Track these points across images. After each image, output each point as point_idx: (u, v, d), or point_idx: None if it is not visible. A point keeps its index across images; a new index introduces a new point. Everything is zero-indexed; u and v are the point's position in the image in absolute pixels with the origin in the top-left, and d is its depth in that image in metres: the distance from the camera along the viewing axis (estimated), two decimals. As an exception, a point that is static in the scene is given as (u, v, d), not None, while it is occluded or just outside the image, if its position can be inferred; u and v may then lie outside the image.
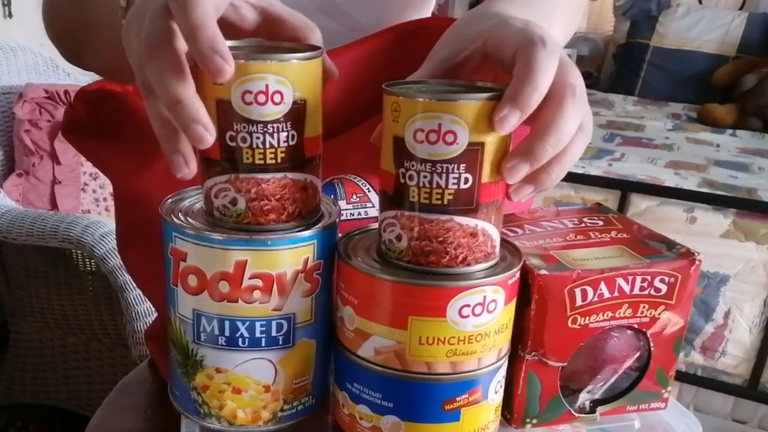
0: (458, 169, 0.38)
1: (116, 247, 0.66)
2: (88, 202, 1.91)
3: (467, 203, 0.39)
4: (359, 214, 0.54)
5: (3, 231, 1.51)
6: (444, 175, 0.38)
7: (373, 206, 0.54)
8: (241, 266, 0.41)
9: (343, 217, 0.53)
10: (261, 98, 0.40)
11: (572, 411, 0.49)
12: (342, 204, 0.54)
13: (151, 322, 1.52)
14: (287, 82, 0.40)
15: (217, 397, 0.45)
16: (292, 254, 0.42)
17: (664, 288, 0.46)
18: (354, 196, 0.54)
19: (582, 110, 0.40)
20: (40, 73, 1.96)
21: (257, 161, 0.41)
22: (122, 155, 0.59)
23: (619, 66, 3.23)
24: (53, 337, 1.69)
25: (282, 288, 0.43)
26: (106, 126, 0.60)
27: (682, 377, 1.73)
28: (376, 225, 0.44)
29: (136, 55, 0.39)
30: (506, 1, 0.50)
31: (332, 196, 0.54)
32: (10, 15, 2.10)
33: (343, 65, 0.60)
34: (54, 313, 1.64)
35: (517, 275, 0.43)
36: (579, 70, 0.41)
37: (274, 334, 0.43)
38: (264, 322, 0.43)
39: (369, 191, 0.55)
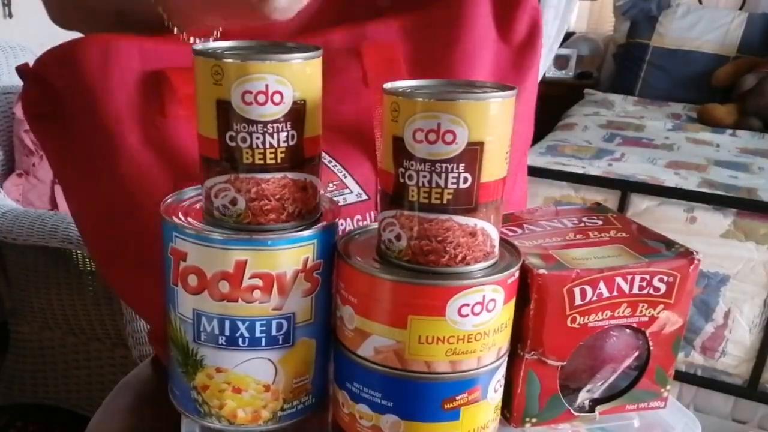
0: (457, 168, 0.38)
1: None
2: (88, 203, 1.91)
3: (466, 203, 0.39)
4: (337, 201, 0.54)
5: (3, 231, 1.51)
6: (443, 175, 0.39)
7: (351, 192, 0.54)
8: (241, 266, 0.42)
9: None
10: (261, 98, 0.40)
11: (571, 410, 0.49)
12: None
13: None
14: (287, 82, 0.40)
15: (217, 396, 0.45)
16: (292, 254, 0.43)
17: (663, 287, 0.46)
18: (330, 185, 0.54)
19: None
20: (41, 74, 1.96)
21: (257, 161, 0.41)
22: (95, 148, 0.53)
23: (619, 66, 3.23)
24: (53, 337, 1.69)
25: (282, 288, 0.43)
26: (70, 108, 0.54)
27: (682, 377, 1.73)
28: (375, 225, 0.44)
29: None
30: None
31: None
32: (10, 15, 2.10)
33: None
34: (54, 313, 1.64)
35: (517, 274, 0.43)
36: None
37: (274, 333, 0.44)
38: (264, 322, 0.43)
39: (345, 177, 0.54)
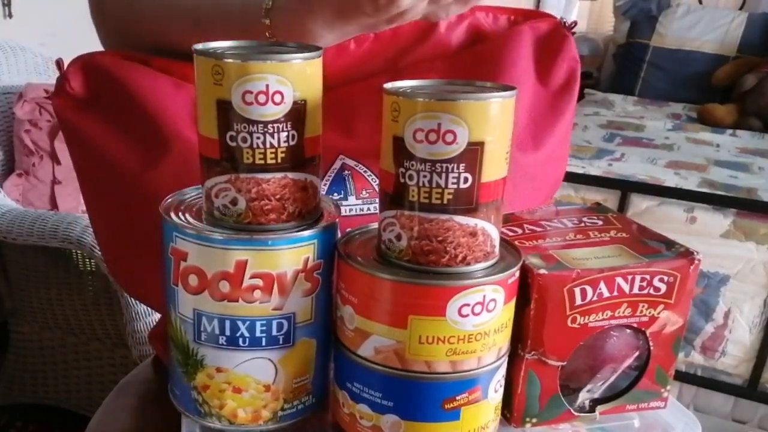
0: (458, 168, 0.38)
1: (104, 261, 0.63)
2: (88, 202, 1.91)
3: (467, 203, 0.39)
4: (368, 209, 0.55)
5: (3, 231, 1.51)
6: (443, 175, 0.39)
7: None
8: (242, 266, 0.42)
9: (352, 213, 0.54)
10: (261, 98, 0.40)
11: (572, 410, 0.49)
12: (351, 199, 0.54)
13: (151, 321, 1.52)
14: (287, 82, 0.40)
15: (218, 396, 0.45)
16: (293, 254, 0.43)
17: (663, 287, 0.46)
18: (363, 192, 0.55)
19: None
20: (40, 73, 1.96)
21: (257, 161, 0.41)
22: (125, 142, 0.55)
23: (619, 66, 3.23)
24: (53, 337, 1.69)
25: (282, 288, 0.43)
26: (105, 102, 0.56)
27: (682, 377, 1.73)
28: (375, 224, 0.44)
29: None
30: None
31: (342, 191, 0.54)
32: (10, 15, 2.10)
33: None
34: (54, 313, 1.64)
35: (517, 274, 0.43)
36: None
37: (274, 333, 0.44)
38: (264, 322, 0.43)
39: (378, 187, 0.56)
